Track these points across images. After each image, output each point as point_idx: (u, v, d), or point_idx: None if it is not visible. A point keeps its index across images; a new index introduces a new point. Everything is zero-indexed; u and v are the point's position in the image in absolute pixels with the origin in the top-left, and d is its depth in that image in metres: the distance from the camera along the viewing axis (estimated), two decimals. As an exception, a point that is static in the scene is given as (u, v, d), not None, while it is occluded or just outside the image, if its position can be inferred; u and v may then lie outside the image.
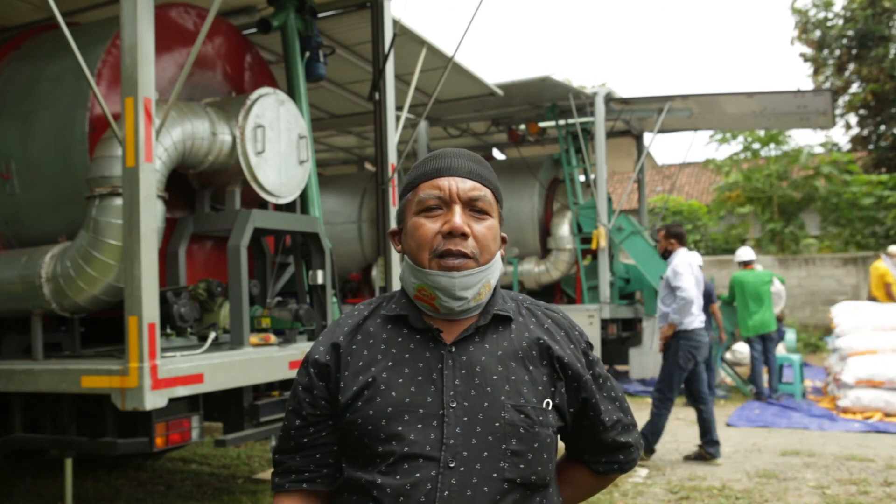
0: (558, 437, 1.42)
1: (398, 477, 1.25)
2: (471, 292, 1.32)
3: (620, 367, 11.70)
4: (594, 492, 1.57)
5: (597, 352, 9.47)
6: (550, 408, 1.34)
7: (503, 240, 1.42)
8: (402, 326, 1.37)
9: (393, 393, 1.30)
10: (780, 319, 10.04)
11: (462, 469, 1.25)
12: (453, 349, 1.33)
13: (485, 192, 1.35)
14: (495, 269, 1.37)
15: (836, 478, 5.55)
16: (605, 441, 1.46)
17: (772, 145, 18.82)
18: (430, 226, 1.32)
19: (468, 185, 1.34)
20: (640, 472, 5.82)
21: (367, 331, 1.39)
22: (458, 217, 1.31)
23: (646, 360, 10.74)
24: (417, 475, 1.25)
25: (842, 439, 6.92)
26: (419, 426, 1.27)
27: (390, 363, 1.33)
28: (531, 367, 1.35)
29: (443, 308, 1.34)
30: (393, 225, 5.85)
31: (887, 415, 7.82)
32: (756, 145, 19.08)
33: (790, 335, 11.85)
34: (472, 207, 1.34)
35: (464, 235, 1.31)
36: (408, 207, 1.38)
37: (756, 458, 6.21)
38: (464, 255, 1.30)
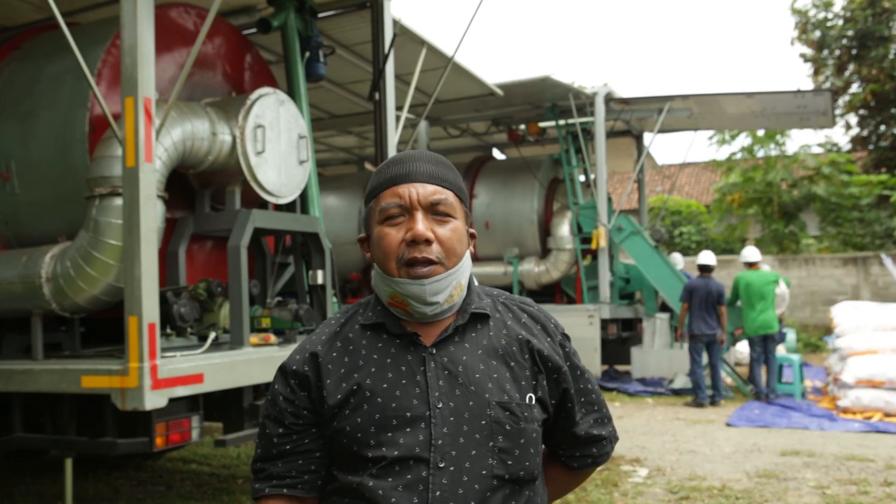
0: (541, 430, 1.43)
1: (390, 479, 1.27)
2: (442, 296, 1.33)
3: (621, 367, 11.70)
4: (570, 489, 1.60)
5: (597, 352, 9.40)
6: (534, 402, 1.36)
7: (472, 236, 1.42)
8: (380, 333, 1.37)
9: (379, 399, 1.30)
10: (779, 320, 10.04)
11: (452, 468, 1.27)
12: (434, 351, 1.34)
13: (446, 195, 1.34)
14: (465, 269, 1.37)
15: (836, 478, 5.55)
16: (578, 434, 1.48)
17: (770, 145, 18.80)
18: (395, 234, 1.32)
19: (428, 189, 1.33)
20: (640, 472, 5.82)
21: (345, 338, 1.38)
22: (421, 224, 1.30)
23: (648, 360, 10.76)
24: (409, 477, 1.26)
25: (842, 439, 6.92)
26: (407, 429, 1.28)
27: (373, 370, 1.33)
28: (512, 363, 1.36)
29: (416, 313, 1.34)
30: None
31: (887, 415, 7.82)
32: (756, 148, 19.06)
33: (790, 335, 11.86)
34: (435, 211, 1.33)
35: (427, 242, 1.30)
36: (371, 216, 1.37)
37: (756, 458, 6.20)
38: (430, 262, 1.30)
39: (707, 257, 9.36)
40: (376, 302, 1.41)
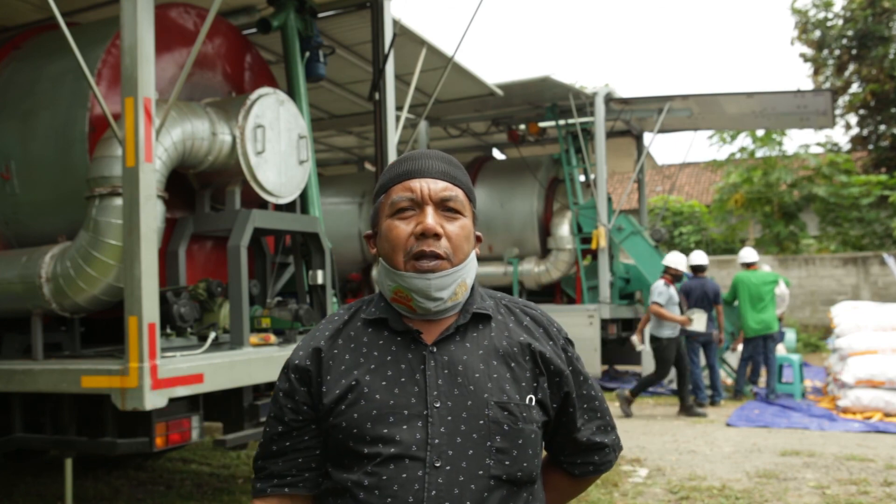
0: (542, 432, 1.42)
1: (385, 478, 1.26)
2: (446, 293, 1.33)
3: (621, 367, 11.70)
4: (572, 496, 1.58)
5: (597, 352, 9.37)
6: (534, 403, 1.35)
7: (478, 238, 1.43)
8: (382, 329, 1.38)
9: (377, 395, 1.30)
10: (779, 320, 10.04)
11: (448, 468, 1.26)
12: (434, 349, 1.34)
13: (456, 192, 1.36)
14: (470, 269, 1.38)
15: (836, 478, 5.54)
16: (579, 440, 1.46)
17: (771, 143, 18.79)
18: (404, 228, 1.33)
19: (440, 185, 1.34)
20: (640, 472, 5.82)
21: (347, 335, 1.39)
22: (431, 218, 1.32)
23: None
24: (404, 476, 1.25)
25: (842, 439, 6.92)
26: (404, 427, 1.28)
27: (373, 366, 1.33)
28: (513, 364, 1.36)
29: (419, 309, 1.35)
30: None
31: (887, 415, 7.81)
32: (753, 146, 19.04)
33: (790, 335, 11.85)
34: (445, 208, 1.34)
35: (436, 236, 1.31)
36: (381, 210, 1.38)
37: (756, 458, 6.20)
38: (437, 256, 1.31)
39: (700, 257, 9.29)
40: (380, 298, 1.42)
